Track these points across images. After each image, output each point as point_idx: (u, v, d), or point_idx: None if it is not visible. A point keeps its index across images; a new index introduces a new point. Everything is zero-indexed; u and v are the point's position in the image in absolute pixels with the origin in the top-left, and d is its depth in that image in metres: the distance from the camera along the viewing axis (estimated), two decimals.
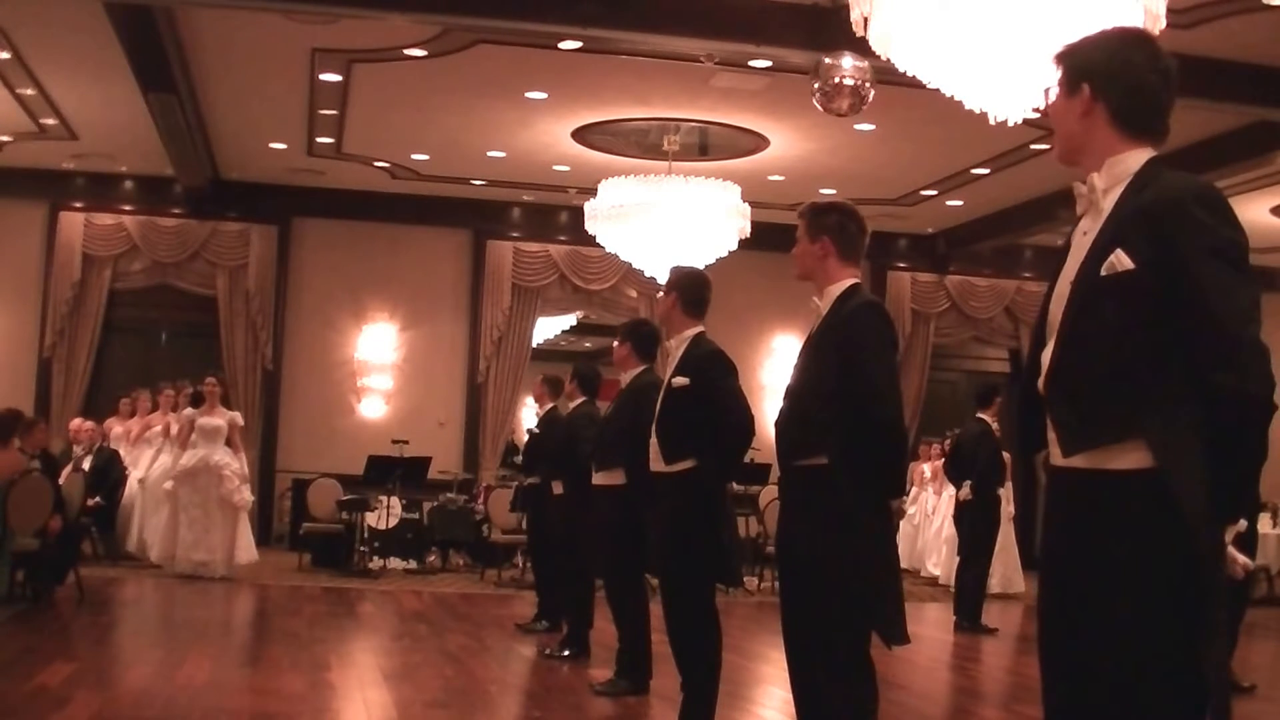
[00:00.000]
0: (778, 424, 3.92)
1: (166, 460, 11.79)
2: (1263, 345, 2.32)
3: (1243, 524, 6.96)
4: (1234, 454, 2.31)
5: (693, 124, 11.46)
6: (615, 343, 6.60)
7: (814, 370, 3.83)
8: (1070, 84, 2.57)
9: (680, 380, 5.20)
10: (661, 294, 5.55)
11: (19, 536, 8.50)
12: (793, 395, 3.90)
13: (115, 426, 12.52)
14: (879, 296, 14.84)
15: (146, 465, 12.07)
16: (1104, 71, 2.52)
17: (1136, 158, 2.50)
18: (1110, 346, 2.39)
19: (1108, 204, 2.49)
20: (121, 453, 12.05)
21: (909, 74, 5.70)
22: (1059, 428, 2.49)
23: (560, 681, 6.84)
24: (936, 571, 12.88)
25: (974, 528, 9.66)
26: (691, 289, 5.41)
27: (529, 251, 15.16)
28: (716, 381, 5.14)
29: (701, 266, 6.28)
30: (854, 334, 3.77)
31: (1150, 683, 2.31)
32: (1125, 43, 2.57)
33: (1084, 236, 2.52)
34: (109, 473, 11.55)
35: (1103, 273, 2.40)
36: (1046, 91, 2.75)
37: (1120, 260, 2.38)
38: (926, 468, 13.67)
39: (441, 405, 14.86)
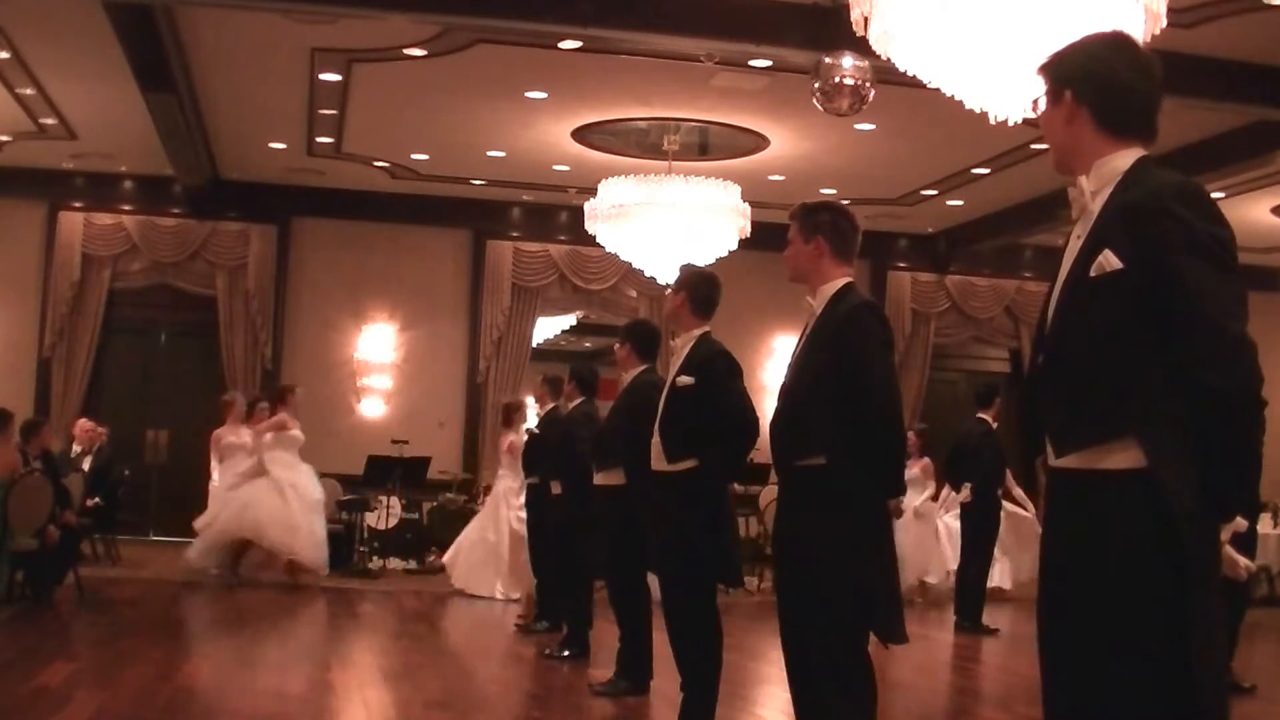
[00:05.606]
0: (773, 424, 3.91)
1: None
2: (1249, 340, 2.30)
3: (1242, 523, 6.94)
4: (1224, 451, 2.30)
5: (693, 124, 11.45)
6: (616, 344, 6.62)
7: (809, 370, 3.83)
8: (1054, 93, 2.59)
9: (685, 380, 5.19)
10: (670, 292, 5.55)
11: (19, 536, 8.50)
12: (788, 394, 3.90)
13: (227, 436, 11.21)
14: (879, 297, 14.99)
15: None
16: (1083, 76, 2.54)
17: (1125, 158, 2.51)
18: (1098, 346, 2.40)
19: (1097, 205, 2.50)
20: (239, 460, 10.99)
21: (909, 74, 5.70)
22: (1050, 428, 2.51)
23: (560, 681, 6.84)
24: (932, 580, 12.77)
25: (975, 528, 9.66)
26: (701, 289, 5.41)
27: (529, 251, 15.15)
28: (722, 382, 5.13)
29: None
30: (850, 334, 3.77)
31: (1142, 683, 2.31)
32: (1102, 46, 2.59)
33: (1076, 240, 2.53)
34: (109, 473, 11.54)
35: (1092, 274, 2.41)
36: (1035, 104, 2.76)
37: (1109, 260, 2.38)
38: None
39: (441, 405, 14.84)
